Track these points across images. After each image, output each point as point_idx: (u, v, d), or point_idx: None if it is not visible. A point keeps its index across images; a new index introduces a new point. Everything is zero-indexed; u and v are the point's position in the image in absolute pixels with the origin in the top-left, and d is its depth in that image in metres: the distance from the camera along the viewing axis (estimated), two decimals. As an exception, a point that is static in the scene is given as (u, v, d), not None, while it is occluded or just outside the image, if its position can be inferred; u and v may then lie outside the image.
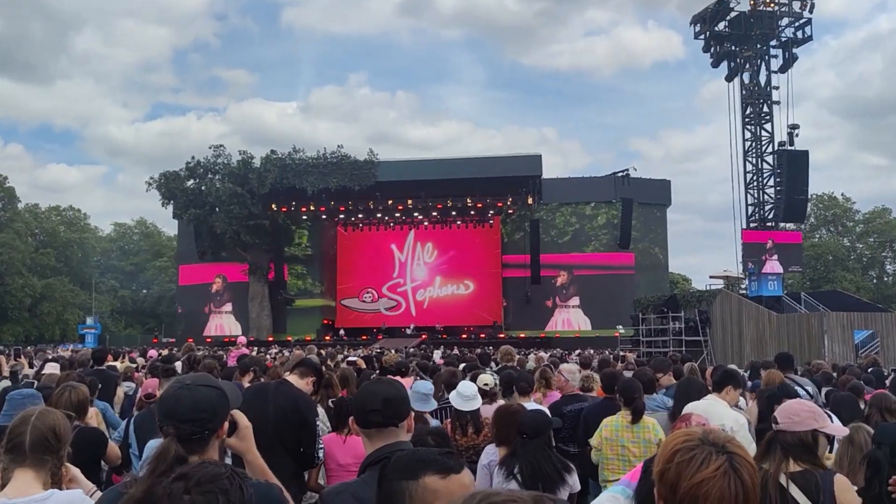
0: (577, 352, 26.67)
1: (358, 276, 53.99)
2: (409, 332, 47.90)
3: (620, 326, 34.77)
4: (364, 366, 11.97)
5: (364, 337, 47.29)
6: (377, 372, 10.72)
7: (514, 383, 6.94)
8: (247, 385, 7.35)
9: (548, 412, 5.53)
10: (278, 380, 5.67)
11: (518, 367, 10.00)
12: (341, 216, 51.97)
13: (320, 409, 5.93)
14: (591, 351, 26.86)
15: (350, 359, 12.45)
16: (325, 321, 52.07)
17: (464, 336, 47.00)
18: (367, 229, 53.30)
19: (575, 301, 49.55)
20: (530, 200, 48.16)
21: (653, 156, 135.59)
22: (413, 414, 2.78)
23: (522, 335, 46.47)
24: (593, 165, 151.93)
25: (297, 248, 52.52)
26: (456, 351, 27.43)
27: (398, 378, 5.16)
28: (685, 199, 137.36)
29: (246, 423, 2.46)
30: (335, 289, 54.64)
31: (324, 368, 8.32)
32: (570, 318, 49.46)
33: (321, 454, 5.06)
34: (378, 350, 24.07)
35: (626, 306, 38.88)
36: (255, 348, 30.72)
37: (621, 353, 18.79)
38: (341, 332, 49.42)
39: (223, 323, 52.63)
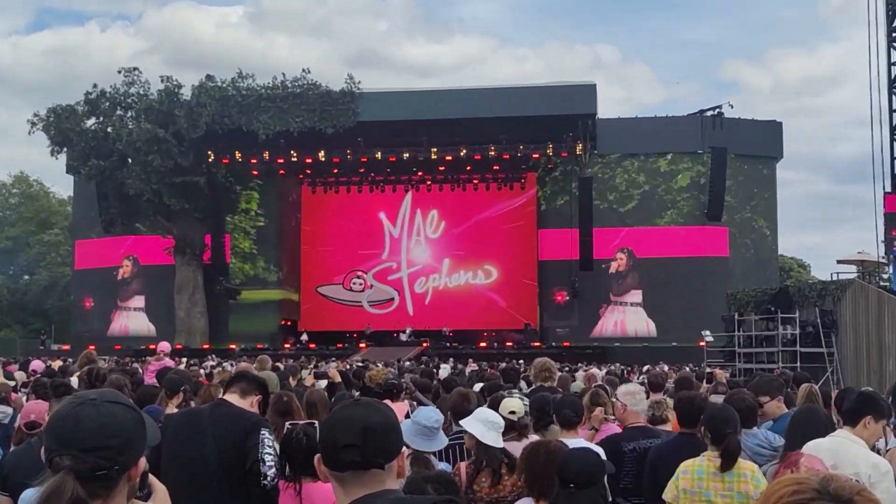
0: (646, 368, 26.63)
1: (332, 256, 54.67)
2: (403, 337, 48.29)
3: (707, 332, 34.63)
4: (338, 380, 12.06)
5: (340, 345, 47.95)
6: (358, 393, 10.77)
7: (553, 411, 6.95)
8: (170, 411, 7.40)
9: (601, 452, 5.52)
10: (215, 401, 5.72)
11: (559, 389, 10.02)
12: (307, 172, 52.44)
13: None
14: (665, 367, 26.84)
15: (319, 371, 12.54)
16: (285, 322, 52.83)
17: (483, 345, 47.71)
18: (344, 191, 53.82)
19: (636, 297, 50.07)
20: (580, 150, 48.29)
21: (757, 87, 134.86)
22: (408, 452, 2.79)
23: (566, 343, 47.23)
24: (671, 102, 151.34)
25: (245, 218, 52.96)
26: (472, 366, 27.63)
27: (387, 402, 5.18)
28: (802, 151, 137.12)
29: (162, 488, 2.54)
30: (298, 275, 55.21)
31: (283, 390, 8.38)
32: (635, 320, 49.94)
33: (272, 474, 5.21)
34: (359, 363, 24.20)
35: (715, 303, 38.81)
36: (184, 359, 31.16)
37: (708, 370, 18.60)
38: (304, 337, 50.20)
39: (135, 323, 53.26)
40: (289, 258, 54.29)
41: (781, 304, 24.57)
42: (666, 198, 50.27)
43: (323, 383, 12.39)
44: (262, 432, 5.36)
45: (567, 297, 50.02)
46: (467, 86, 50.68)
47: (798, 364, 22.54)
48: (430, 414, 5.63)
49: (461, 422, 6.24)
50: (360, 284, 54.80)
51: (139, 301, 53.47)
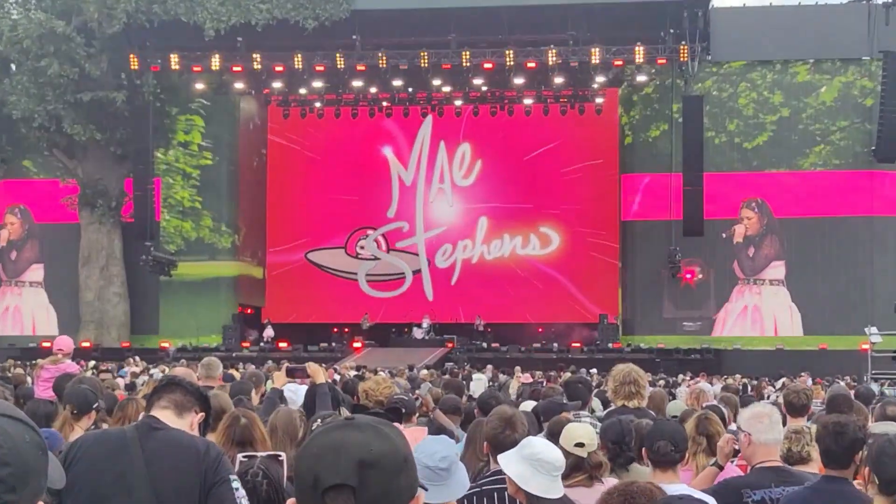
0: (781, 382, 26.43)
1: (311, 214, 54.93)
2: (419, 333, 48.24)
3: (873, 329, 34.22)
4: (321, 379, 11.90)
5: (323, 344, 48.15)
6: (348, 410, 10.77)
7: (640, 443, 6.93)
8: (76, 436, 7.30)
9: (713, 504, 5.48)
10: (142, 421, 5.67)
11: (651, 411, 10.00)
12: (276, 85, 51.61)
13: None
14: (809, 380, 26.68)
15: (295, 366, 12.41)
16: (243, 310, 52.95)
17: (536, 345, 47.52)
18: (331, 114, 53.17)
19: (777, 272, 49.92)
20: (684, 55, 47.20)
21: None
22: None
23: (661, 345, 47.40)
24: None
25: (184, 154, 53.13)
26: (521, 376, 27.53)
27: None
28: None
29: None
30: (263, 241, 55.56)
31: (240, 408, 8.38)
32: (766, 309, 49.87)
33: None
34: (354, 372, 24.10)
35: (887, 287, 38.31)
36: (91, 363, 31.27)
37: (875, 386, 17.78)
38: (268, 332, 50.54)
39: (23, 307, 53.48)
40: (249, 215, 54.30)
41: None
42: (813, 128, 50.11)
43: (297, 391, 12.23)
44: (230, 477, 5.30)
45: (669, 276, 49.71)
46: None
47: None
48: (436, 448, 5.39)
49: (499, 458, 6.19)
50: (372, 248, 55.30)
51: (39, 274, 53.61)
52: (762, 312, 49.96)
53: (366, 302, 53.50)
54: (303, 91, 51.85)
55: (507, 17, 46.52)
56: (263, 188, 55.61)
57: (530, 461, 5.90)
